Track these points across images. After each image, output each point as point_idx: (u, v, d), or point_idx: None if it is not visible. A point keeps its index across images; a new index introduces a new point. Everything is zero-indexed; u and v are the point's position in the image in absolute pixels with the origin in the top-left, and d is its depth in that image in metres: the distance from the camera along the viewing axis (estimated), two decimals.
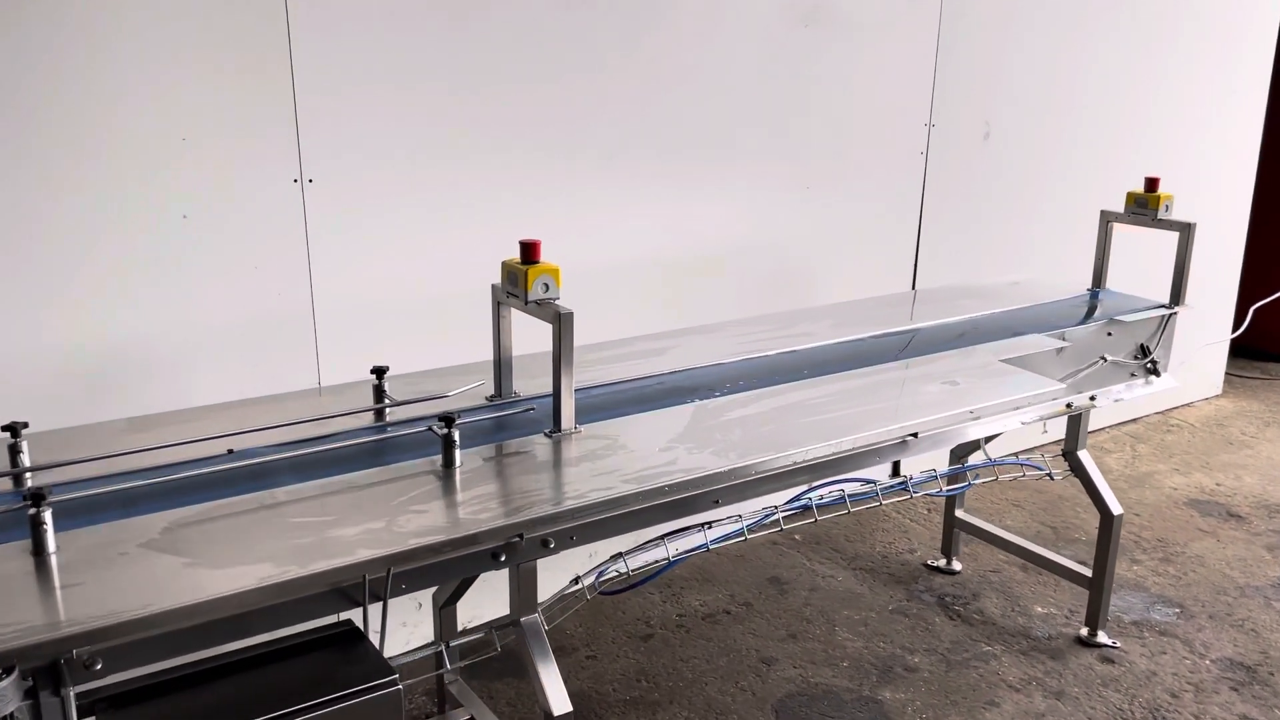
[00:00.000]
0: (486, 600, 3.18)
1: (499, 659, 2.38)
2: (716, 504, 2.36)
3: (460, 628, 2.86)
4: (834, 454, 2.43)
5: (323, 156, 2.92)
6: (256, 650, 1.94)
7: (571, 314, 2.30)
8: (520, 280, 2.32)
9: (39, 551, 1.77)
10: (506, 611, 2.30)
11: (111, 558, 1.78)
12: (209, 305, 2.84)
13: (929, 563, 4.02)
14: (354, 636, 2.02)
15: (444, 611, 2.75)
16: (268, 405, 2.50)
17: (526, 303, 2.33)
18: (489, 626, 2.37)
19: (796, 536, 4.18)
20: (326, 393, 2.70)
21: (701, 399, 2.66)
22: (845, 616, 3.66)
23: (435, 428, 2.20)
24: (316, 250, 2.96)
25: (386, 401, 2.48)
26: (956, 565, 3.98)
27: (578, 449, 2.33)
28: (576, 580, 2.48)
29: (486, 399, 2.57)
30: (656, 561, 2.54)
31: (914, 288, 4.47)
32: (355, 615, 1.95)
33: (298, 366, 3.00)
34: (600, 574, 2.47)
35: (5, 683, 1.57)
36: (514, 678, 3.24)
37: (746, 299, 3.92)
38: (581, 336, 2.34)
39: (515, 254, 2.36)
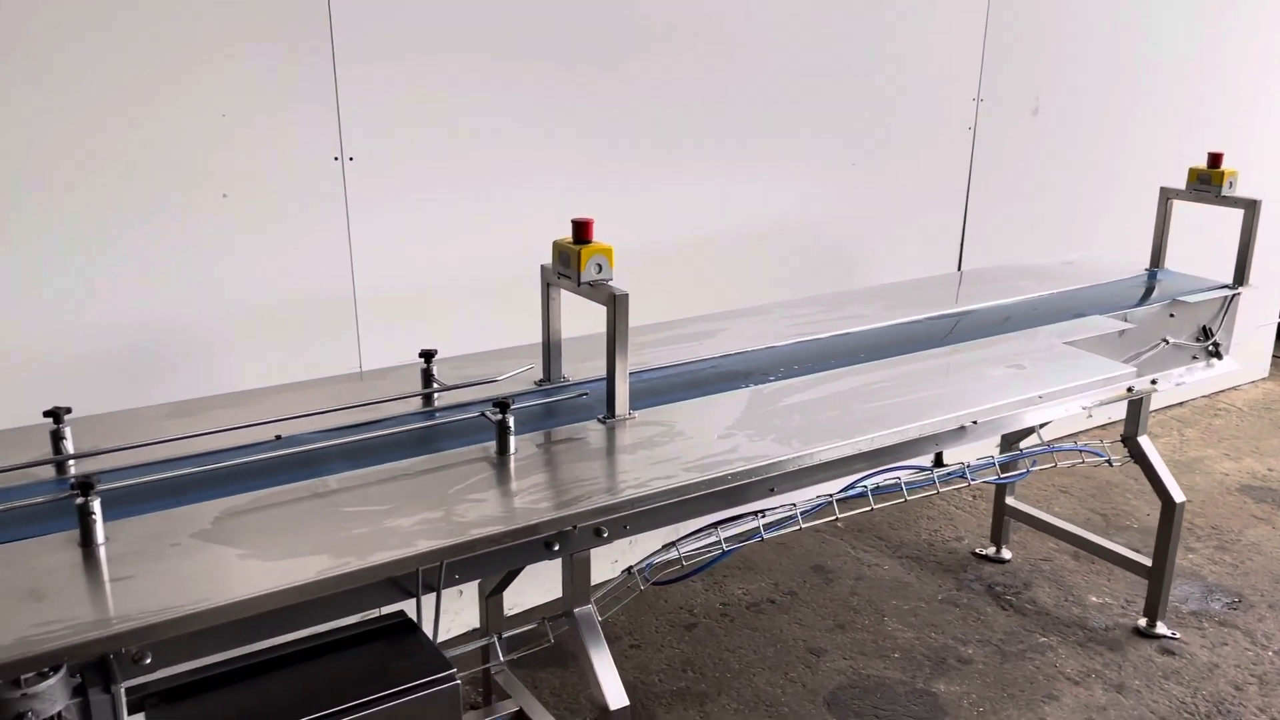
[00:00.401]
0: (529, 587, 3.13)
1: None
2: (772, 492, 2.28)
3: (505, 614, 2.79)
4: (900, 441, 2.35)
5: (364, 134, 2.83)
6: (310, 643, 1.88)
7: (627, 295, 2.22)
8: (573, 260, 2.24)
9: (87, 542, 1.71)
10: (549, 597, 2.23)
11: (163, 549, 1.71)
12: (248, 286, 2.77)
13: (977, 551, 3.93)
14: (407, 628, 1.96)
15: (491, 601, 2.68)
16: (313, 389, 2.43)
17: (579, 284, 2.25)
18: (540, 617, 2.30)
19: (839, 524, 4.09)
20: (371, 376, 2.63)
21: (756, 384, 2.57)
22: (894, 606, 3.57)
23: (489, 413, 2.12)
24: (357, 230, 2.88)
25: (435, 386, 2.40)
26: (1006, 553, 3.88)
27: (633, 435, 2.25)
28: (629, 571, 2.41)
29: (535, 383, 2.49)
30: (708, 550, 2.46)
31: (959, 268, 4.35)
32: (401, 605, 1.88)
33: (338, 349, 2.93)
34: (649, 563, 2.39)
35: (52, 681, 1.51)
36: (558, 667, 3.17)
37: (790, 278, 3.82)
38: (629, 318, 2.25)
39: (559, 234, 2.28)
